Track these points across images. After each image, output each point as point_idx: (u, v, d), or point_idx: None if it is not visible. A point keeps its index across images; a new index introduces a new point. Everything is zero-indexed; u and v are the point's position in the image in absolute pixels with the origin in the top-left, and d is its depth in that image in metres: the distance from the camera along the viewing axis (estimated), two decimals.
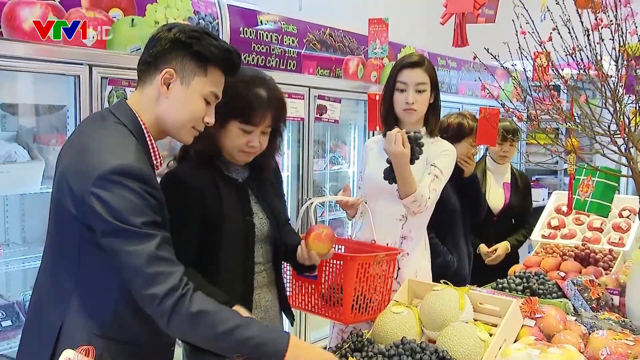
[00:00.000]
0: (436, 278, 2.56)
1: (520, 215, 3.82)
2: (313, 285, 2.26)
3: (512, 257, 3.69)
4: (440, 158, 2.48)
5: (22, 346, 1.70)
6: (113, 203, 1.45)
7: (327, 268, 2.20)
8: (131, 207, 1.46)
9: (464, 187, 3.11)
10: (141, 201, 1.48)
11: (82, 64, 2.79)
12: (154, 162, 1.66)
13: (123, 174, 1.47)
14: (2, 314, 2.87)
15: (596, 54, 2.15)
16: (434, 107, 2.56)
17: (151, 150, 1.65)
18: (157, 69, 1.62)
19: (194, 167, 1.96)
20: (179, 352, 1.94)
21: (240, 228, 1.99)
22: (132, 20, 3.01)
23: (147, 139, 1.64)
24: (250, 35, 3.62)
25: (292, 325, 2.29)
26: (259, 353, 1.50)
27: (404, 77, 2.47)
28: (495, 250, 3.65)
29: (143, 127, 1.63)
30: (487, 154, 3.87)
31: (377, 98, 2.90)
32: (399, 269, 2.48)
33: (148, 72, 1.64)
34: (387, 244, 2.45)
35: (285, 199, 4.21)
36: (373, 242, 2.38)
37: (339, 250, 2.35)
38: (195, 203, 1.91)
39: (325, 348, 1.92)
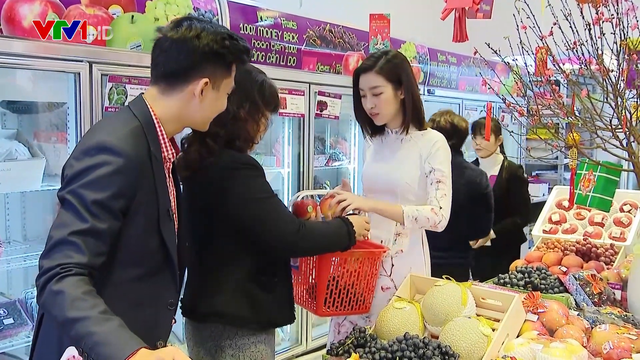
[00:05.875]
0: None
1: (506, 205, 3.93)
2: (296, 276, 2.32)
3: (513, 252, 3.75)
4: (435, 156, 2.42)
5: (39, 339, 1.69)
6: (77, 170, 1.49)
7: (307, 260, 2.25)
8: (92, 180, 1.47)
9: None
10: (108, 176, 1.49)
11: (82, 61, 2.78)
12: (164, 154, 1.69)
13: (99, 148, 1.51)
14: (4, 311, 2.86)
15: (597, 48, 2.15)
16: (406, 102, 2.42)
17: (161, 142, 1.67)
18: (189, 80, 1.64)
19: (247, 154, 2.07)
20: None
21: None
22: (132, 17, 3.01)
23: (159, 131, 1.66)
24: (250, 31, 3.61)
25: None
26: (94, 352, 1.32)
27: (360, 83, 2.45)
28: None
29: (155, 120, 1.65)
30: None
31: None
32: (392, 265, 2.48)
33: (177, 81, 1.65)
34: (382, 241, 2.45)
35: (285, 195, 4.24)
36: (366, 238, 2.38)
37: None
38: None
39: (325, 345, 1.93)
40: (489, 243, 4.00)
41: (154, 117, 1.65)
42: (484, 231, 3.74)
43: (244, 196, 1.95)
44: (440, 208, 2.37)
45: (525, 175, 4.39)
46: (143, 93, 1.71)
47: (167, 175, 1.73)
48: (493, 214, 3.66)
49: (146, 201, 1.59)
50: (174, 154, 1.74)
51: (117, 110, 1.83)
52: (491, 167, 4.13)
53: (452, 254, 3.43)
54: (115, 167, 1.50)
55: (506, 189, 4.05)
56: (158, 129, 1.66)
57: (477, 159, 4.33)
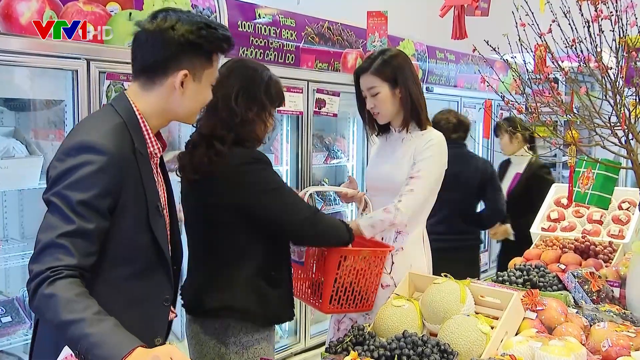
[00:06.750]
0: None
1: (521, 203, 4.03)
2: (300, 272, 2.33)
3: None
4: (422, 153, 2.42)
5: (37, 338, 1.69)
6: (60, 171, 1.48)
7: (313, 256, 2.25)
8: (76, 180, 1.46)
9: None
10: (91, 175, 1.47)
11: (80, 59, 2.78)
12: (150, 149, 1.67)
13: (81, 148, 1.50)
14: (2, 310, 2.86)
15: (596, 45, 2.14)
16: (405, 102, 2.44)
17: (147, 138, 1.66)
18: (167, 72, 1.61)
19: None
20: None
21: None
22: (130, 14, 3.00)
23: (143, 127, 1.65)
24: (248, 29, 3.61)
25: None
26: (90, 354, 1.30)
27: (360, 84, 2.48)
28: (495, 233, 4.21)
29: (138, 116, 1.64)
30: None
31: None
32: (392, 263, 2.47)
33: (155, 75, 1.62)
34: (382, 238, 2.45)
35: None
36: (371, 237, 2.37)
37: None
38: None
39: (325, 342, 1.93)
40: (512, 238, 4.19)
41: (137, 113, 1.63)
42: (500, 211, 3.88)
43: (261, 188, 1.98)
44: (400, 202, 2.36)
45: (550, 176, 4.31)
46: (125, 90, 1.69)
47: (155, 171, 1.71)
48: (503, 192, 3.89)
49: (134, 198, 1.58)
50: (160, 149, 1.72)
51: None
52: (518, 165, 4.31)
53: (466, 237, 3.82)
54: (99, 166, 1.48)
55: (525, 187, 4.17)
56: (142, 125, 1.64)
57: (509, 158, 4.49)
